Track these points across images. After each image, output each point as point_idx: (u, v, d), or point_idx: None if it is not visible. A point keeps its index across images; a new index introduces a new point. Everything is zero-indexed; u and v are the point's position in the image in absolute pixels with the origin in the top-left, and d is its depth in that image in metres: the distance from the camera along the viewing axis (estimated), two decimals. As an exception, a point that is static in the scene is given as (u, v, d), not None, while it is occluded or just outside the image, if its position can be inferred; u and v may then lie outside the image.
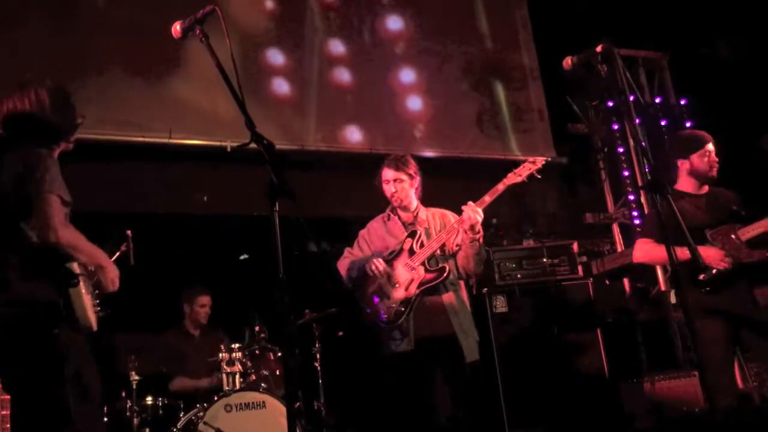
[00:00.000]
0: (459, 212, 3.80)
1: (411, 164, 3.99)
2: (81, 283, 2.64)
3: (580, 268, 5.45)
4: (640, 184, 6.30)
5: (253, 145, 2.40)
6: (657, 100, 6.83)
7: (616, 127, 6.67)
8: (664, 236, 2.97)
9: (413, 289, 3.76)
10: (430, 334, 3.73)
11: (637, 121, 6.33)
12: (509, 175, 3.83)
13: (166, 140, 5.28)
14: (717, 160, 3.89)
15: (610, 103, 6.58)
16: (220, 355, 4.47)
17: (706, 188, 3.91)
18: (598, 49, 3.40)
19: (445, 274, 3.76)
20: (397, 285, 3.80)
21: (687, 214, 3.69)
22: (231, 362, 4.44)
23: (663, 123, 6.63)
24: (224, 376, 4.44)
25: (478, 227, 3.70)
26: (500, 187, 3.79)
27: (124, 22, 5.34)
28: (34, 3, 5.13)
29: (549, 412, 4.86)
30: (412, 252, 3.84)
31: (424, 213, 4.00)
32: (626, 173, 6.55)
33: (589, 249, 6.14)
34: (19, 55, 4.88)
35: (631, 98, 6.33)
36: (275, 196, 2.36)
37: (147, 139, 5.21)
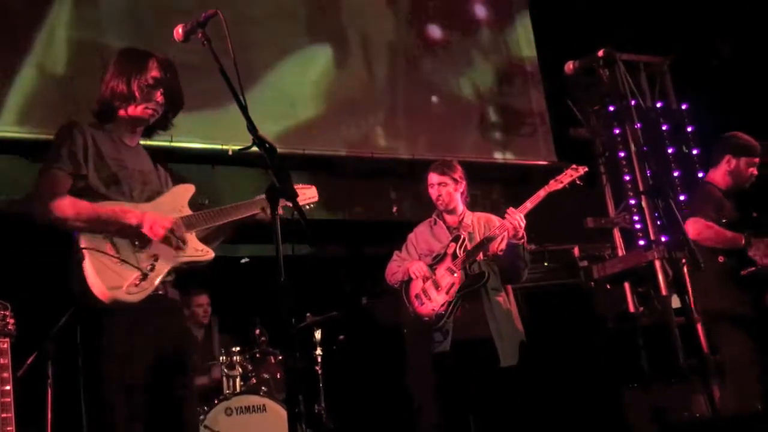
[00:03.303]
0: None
1: (457, 169, 4.07)
2: (91, 256, 2.40)
3: (581, 272, 5.44)
4: (641, 188, 6.30)
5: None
6: (658, 105, 6.82)
7: (617, 131, 6.65)
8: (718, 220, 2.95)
9: (453, 293, 3.82)
10: (467, 337, 3.78)
11: (638, 125, 6.39)
12: (551, 182, 3.86)
13: (167, 143, 5.29)
14: (757, 175, 3.90)
15: (612, 108, 6.58)
16: (221, 358, 4.47)
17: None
18: (600, 53, 3.40)
19: (484, 279, 3.81)
20: (439, 288, 3.86)
21: (726, 208, 3.71)
22: (231, 365, 4.45)
23: (664, 128, 6.62)
24: (224, 379, 4.44)
25: (521, 233, 3.74)
26: (542, 193, 3.83)
27: (123, 24, 5.37)
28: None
29: (550, 418, 4.84)
30: (455, 256, 3.89)
31: (470, 218, 4.05)
32: (627, 178, 6.54)
33: (590, 253, 6.13)
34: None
35: (633, 103, 6.46)
36: (276, 198, 2.37)
37: (148, 142, 5.20)
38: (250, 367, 4.58)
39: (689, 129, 6.49)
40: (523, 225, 3.73)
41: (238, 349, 4.53)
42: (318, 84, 6.04)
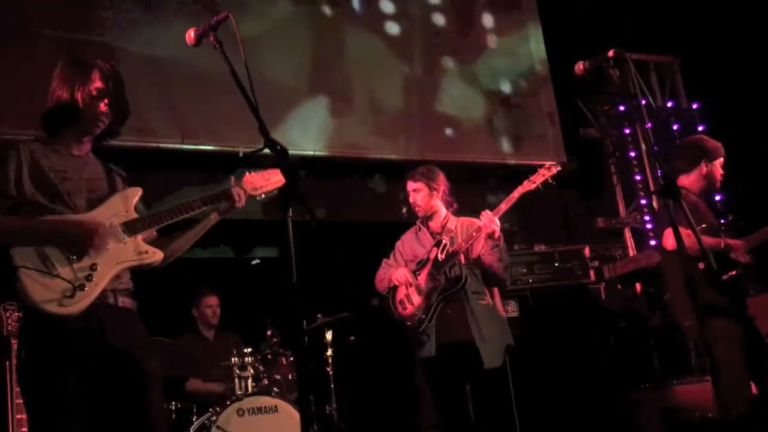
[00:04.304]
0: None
1: (433, 175, 4.09)
2: (23, 270, 2.42)
3: (591, 272, 5.43)
4: (651, 188, 6.29)
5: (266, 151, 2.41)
6: (669, 104, 6.81)
7: (627, 131, 6.66)
8: (692, 226, 2.97)
9: (434, 297, 3.86)
10: (450, 340, 3.83)
11: (649, 125, 6.38)
12: (524, 182, 3.87)
13: (178, 146, 5.33)
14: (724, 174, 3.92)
15: (622, 108, 6.57)
16: (233, 359, 4.49)
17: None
18: (610, 53, 3.38)
19: (462, 282, 3.84)
20: (421, 293, 3.92)
21: (702, 213, 3.71)
22: (243, 367, 4.47)
23: (675, 127, 6.61)
24: (236, 380, 4.46)
25: (497, 234, 3.78)
26: (515, 194, 3.85)
27: (136, 28, 5.40)
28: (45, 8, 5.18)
29: (561, 418, 4.84)
30: (436, 261, 3.92)
31: (453, 222, 4.07)
32: (638, 177, 6.54)
33: (600, 254, 6.13)
34: (30, 54, 4.92)
35: (643, 102, 6.45)
36: (288, 201, 2.37)
37: (160, 145, 5.25)
38: (261, 368, 4.60)
39: (700, 128, 6.47)
40: (497, 227, 3.75)
41: (249, 350, 4.55)
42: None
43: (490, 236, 3.77)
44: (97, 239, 2.51)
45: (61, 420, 2.39)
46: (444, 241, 3.95)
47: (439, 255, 3.93)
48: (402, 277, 3.98)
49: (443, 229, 4.04)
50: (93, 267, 2.50)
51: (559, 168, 3.90)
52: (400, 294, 4.00)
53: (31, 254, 2.46)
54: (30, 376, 2.45)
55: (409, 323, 3.91)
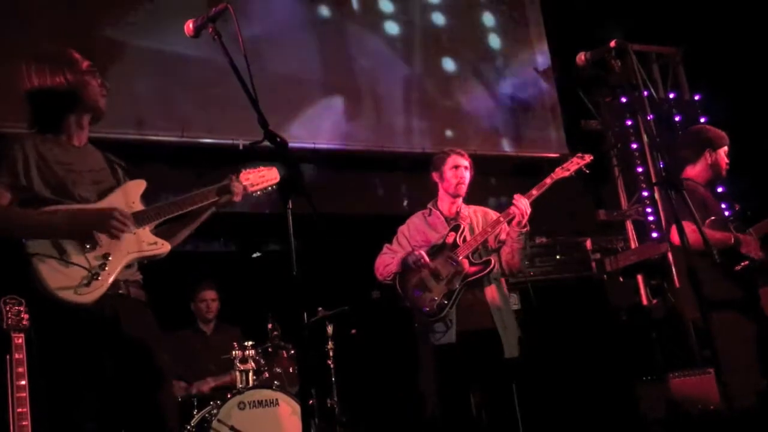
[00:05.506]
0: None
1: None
2: (38, 260, 2.41)
3: (593, 265, 5.42)
4: (653, 180, 6.26)
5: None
6: (671, 96, 6.78)
7: (629, 123, 6.62)
8: (696, 220, 2.95)
9: (457, 283, 3.78)
10: (472, 327, 3.75)
11: (651, 116, 6.35)
12: (557, 169, 3.85)
13: (178, 138, 5.31)
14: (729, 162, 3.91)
15: (624, 99, 6.54)
16: (234, 352, 4.48)
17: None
18: (612, 44, 3.37)
19: (490, 267, 3.78)
20: (439, 278, 3.81)
21: (710, 203, 3.69)
22: (244, 360, 4.46)
23: (677, 119, 6.58)
24: (237, 374, 4.46)
25: (525, 221, 3.72)
26: (548, 181, 3.81)
27: (135, 21, 5.37)
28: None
29: (563, 411, 4.84)
30: (455, 246, 3.85)
31: (466, 209, 4.03)
32: (640, 169, 6.50)
33: (602, 246, 6.10)
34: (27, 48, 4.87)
35: (645, 94, 6.41)
36: (288, 193, 2.36)
37: (160, 138, 5.23)
38: (262, 362, 4.60)
39: (702, 120, 6.44)
40: (528, 212, 3.69)
41: (250, 343, 4.54)
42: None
43: (519, 222, 3.71)
44: (115, 222, 2.50)
45: (74, 410, 2.40)
46: (462, 226, 3.89)
47: (458, 239, 3.85)
48: (420, 259, 3.79)
49: (458, 215, 3.99)
50: (106, 256, 2.51)
51: (592, 157, 3.88)
52: (413, 279, 3.84)
53: (45, 242, 2.46)
54: (43, 365, 2.45)
55: (427, 309, 3.75)
